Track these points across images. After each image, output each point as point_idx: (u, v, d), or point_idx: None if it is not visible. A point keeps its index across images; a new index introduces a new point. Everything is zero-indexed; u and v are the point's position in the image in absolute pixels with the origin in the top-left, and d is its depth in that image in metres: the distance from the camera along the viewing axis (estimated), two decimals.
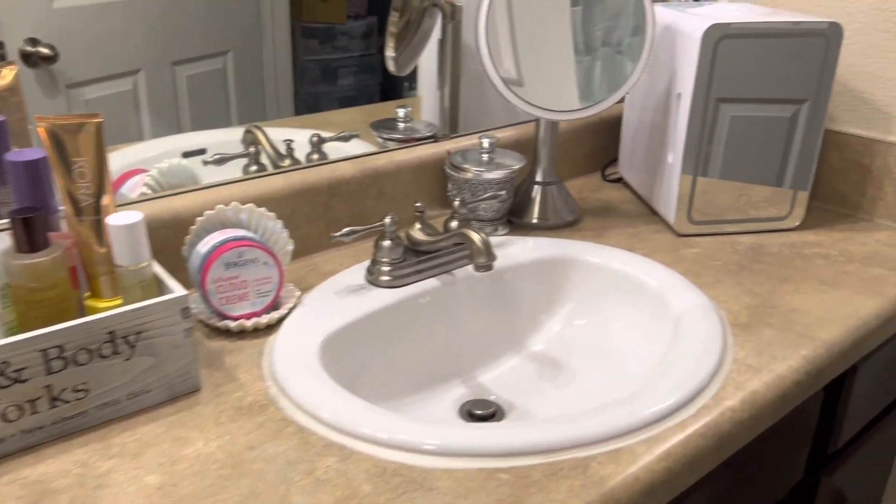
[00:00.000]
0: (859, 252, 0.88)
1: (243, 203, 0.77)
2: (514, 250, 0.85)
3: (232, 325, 0.68)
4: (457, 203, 0.81)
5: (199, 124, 0.80)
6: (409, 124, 0.98)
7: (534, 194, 0.95)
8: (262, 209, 0.73)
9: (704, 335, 0.68)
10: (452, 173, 0.90)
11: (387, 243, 0.76)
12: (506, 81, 0.85)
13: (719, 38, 0.83)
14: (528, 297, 0.84)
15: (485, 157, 0.90)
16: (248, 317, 0.69)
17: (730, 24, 0.82)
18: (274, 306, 0.71)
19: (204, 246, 0.69)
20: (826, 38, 0.84)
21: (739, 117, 0.87)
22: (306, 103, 0.89)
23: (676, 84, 0.89)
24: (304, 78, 0.88)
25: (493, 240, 0.88)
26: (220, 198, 0.77)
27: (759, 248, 0.89)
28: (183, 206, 0.75)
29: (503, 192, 0.89)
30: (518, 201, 0.96)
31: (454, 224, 0.82)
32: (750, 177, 0.91)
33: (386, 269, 0.76)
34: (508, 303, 0.84)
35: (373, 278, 0.77)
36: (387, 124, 0.97)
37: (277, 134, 0.87)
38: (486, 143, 0.90)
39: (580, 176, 1.13)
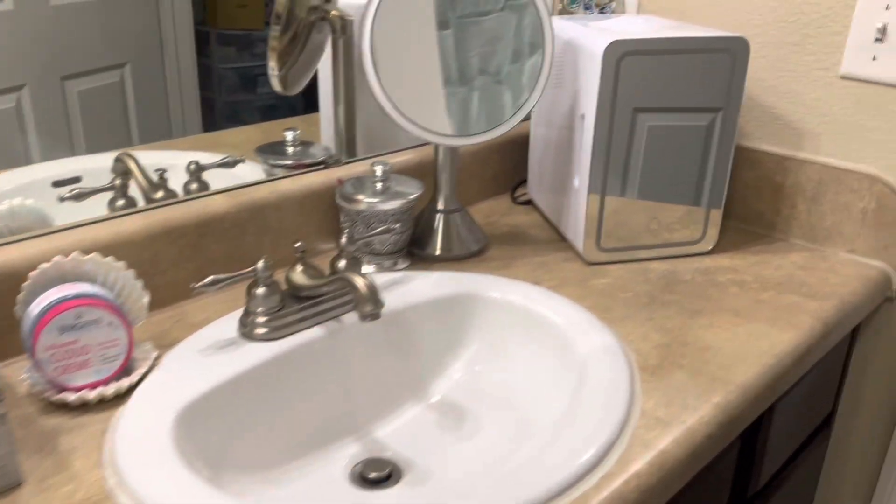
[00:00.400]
0: (774, 277, 0.84)
1: (94, 249, 0.68)
2: (413, 287, 0.78)
3: (71, 398, 0.58)
4: (343, 240, 0.73)
5: (95, 145, 0.71)
6: (300, 148, 0.90)
7: (436, 224, 0.88)
8: (109, 258, 0.63)
9: (609, 385, 0.62)
10: (343, 204, 0.81)
11: (261, 290, 0.68)
12: (391, 98, 0.78)
13: (622, 56, 0.77)
14: (428, 341, 0.77)
15: (379, 185, 0.83)
16: (92, 387, 0.59)
17: (632, 39, 0.77)
18: (124, 372, 0.61)
19: (37, 306, 0.59)
20: (732, 54, 0.80)
21: (656, 127, 0.81)
22: (224, 114, 0.82)
23: (580, 103, 0.83)
24: (222, 87, 0.82)
25: (392, 276, 0.80)
26: (68, 244, 0.67)
27: (673, 276, 0.84)
28: (20, 256, 0.65)
29: (398, 225, 0.82)
30: (419, 231, 0.89)
31: (342, 264, 0.74)
32: (665, 195, 0.86)
33: (261, 319, 0.68)
34: (407, 348, 0.76)
35: (246, 331, 0.68)
36: (275, 148, 0.89)
37: (161, 159, 0.77)
38: (379, 170, 0.82)
39: (489, 198, 1.06)
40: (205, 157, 0.81)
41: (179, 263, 0.75)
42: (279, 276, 0.81)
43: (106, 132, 0.73)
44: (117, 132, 0.73)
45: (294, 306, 0.69)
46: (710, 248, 0.90)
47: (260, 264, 0.67)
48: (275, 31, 0.85)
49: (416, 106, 0.78)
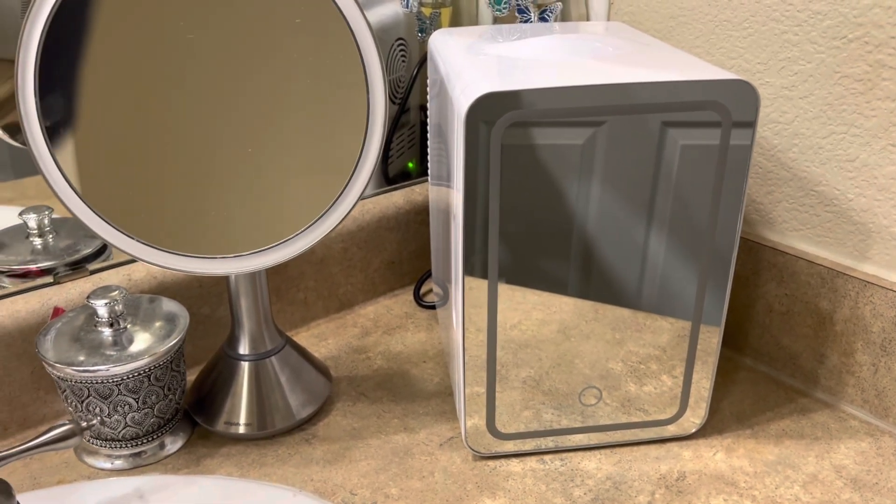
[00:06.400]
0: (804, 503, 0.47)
1: None
2: None
3: None
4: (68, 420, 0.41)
5: None
6: (42, 240, 0.57)
7: (235, 379, 0.54)
8: None
9: None
10: (46, 365, 0.49)
11: None
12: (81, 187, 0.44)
13: (505, 124, 0.41)
14: None
15: (105, 331, 0.49)
16: None
17: (523, 91, 0.40)
18: None
19: None
20: (724, 113, 0.42)
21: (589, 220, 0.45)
22: None
23: (452, 194, 0.47)
24: None
25: (124, 483, 0.47)
26: None
27: (615, 496, 0.48)
28: None
29: (134, 399, 0.48)
30: (207, 388, 0.55)
31: None
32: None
33: None
34: None
35: None
36: (13, 235, 0.57)
37: None
38: (100, 308, 0.48)
39: (382, 296, 0.71)
40: None
41: None
42: None
43: None
44: None
45: None
46: (695, 429, 0.53)
47: None
48: None
49: (134, 206, 0.44)
